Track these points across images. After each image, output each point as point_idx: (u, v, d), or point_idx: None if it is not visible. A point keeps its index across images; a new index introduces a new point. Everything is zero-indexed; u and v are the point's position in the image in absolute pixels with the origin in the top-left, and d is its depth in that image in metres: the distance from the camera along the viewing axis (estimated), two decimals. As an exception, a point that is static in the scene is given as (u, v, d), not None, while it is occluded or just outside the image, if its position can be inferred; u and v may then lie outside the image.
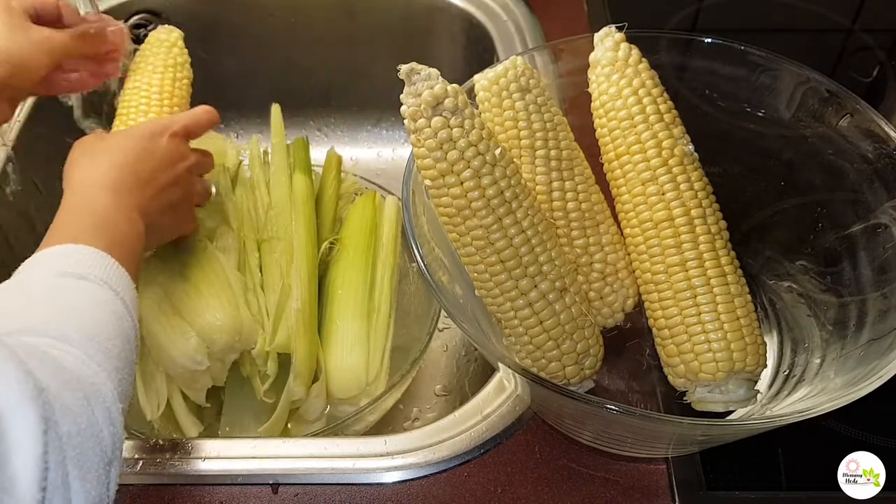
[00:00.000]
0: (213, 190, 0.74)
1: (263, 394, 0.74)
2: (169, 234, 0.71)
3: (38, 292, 0.49)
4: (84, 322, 0.47)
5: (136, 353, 0.52)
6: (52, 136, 0.84)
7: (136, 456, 0.63)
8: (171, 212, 0.67)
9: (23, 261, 0.52)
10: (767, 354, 0.61)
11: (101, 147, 0.63)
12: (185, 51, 0.86)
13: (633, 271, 0.64)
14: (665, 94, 0.62)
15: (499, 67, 0.61)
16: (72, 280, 0.50)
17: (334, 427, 0.73)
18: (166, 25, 0.88)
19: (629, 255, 0.64)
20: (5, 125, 0.87)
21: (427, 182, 0.54)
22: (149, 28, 0.97)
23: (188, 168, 0.68)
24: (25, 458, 0.35)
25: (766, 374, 0.62)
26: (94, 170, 0.61)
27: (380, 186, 0.91)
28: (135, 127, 0.67)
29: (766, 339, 0.62)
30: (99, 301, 0.50)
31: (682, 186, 0.60)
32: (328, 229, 0.85)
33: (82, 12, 0.76)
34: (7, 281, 0.50)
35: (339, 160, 0.92)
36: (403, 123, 0.53)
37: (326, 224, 0.86)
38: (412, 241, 0.56)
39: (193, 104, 0.75)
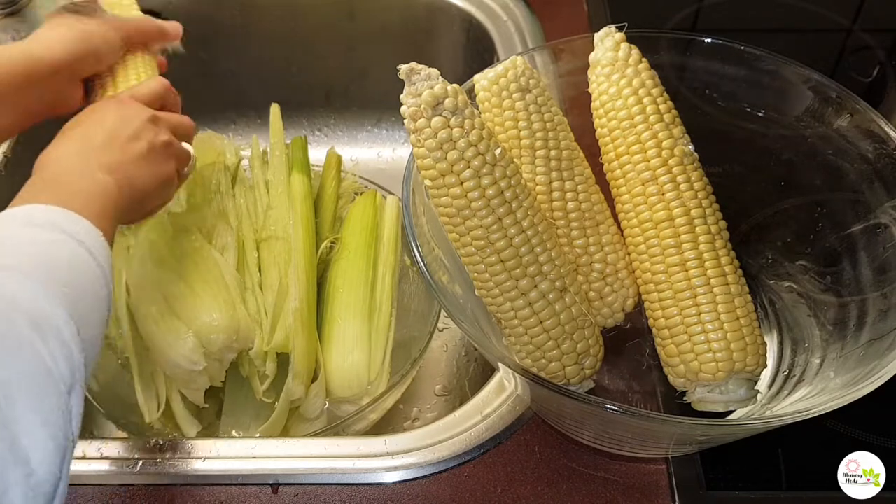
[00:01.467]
0: (192, 153, 0.71)
1: (263, 394, 0.74)
2: (157, 195, 0.65)
3: None
4: (31, 256, 0.46)
5: (107, 299, 0.50)
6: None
7: (136, 456, 0.63)
8: (146, 164, 0.63)
9: None
10: (767, 354, 0.61)
11: (68, 129, 0.62)
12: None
13: (633, 271, 0.64)
14: (665, 94, 0.62)
15: (499, 67, 0.61)
16: (20, 227, 0.49)
17: (335, 426, 0.73)
18: None
19: (629, 255, 0.64)
20: None
21: (427, 182, 0.54)
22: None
23: (150, 119, 0.64)
24: None
25: (766, 374, 0.62)
26: (55, 148, 0.60)
27: (380, 186, 0.91)
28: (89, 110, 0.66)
29: (766, 339, 0.61)
30: (47, 241, 0.48)
31: (682, 186, 0.60)
32: (328, 229, 0.85)
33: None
34: None
35: (339, 160, 0.92)
36: (403, 123, 0.53)
37: (326, 223, 0.86)
38: (412, 241, 0.56)
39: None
